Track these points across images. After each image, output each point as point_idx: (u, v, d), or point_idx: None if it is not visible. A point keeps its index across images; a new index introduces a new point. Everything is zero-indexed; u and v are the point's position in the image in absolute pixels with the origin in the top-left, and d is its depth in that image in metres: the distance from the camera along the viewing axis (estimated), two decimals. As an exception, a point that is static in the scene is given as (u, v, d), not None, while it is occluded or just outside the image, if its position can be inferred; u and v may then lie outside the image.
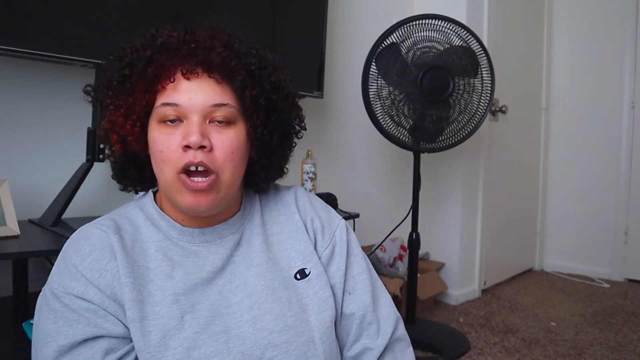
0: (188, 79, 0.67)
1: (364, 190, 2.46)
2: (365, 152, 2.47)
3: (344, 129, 2.36)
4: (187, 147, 0.65)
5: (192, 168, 0.65)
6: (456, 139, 1.97)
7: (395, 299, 2.06)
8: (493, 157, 2.70)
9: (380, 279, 0.84)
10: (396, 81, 1.87)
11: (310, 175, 1.85)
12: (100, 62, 1.26)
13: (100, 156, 1.34)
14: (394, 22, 1.89)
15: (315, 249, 0.78)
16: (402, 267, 2.30)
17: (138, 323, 0.63)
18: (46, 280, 0.67)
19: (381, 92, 1.90)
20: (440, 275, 2.50)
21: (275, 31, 1.84)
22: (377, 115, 1.90)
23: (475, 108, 1.97)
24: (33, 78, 1.42)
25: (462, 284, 2.54)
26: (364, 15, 2.41)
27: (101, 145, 1.33)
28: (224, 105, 0.67)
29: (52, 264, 0.69)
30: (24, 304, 1.25)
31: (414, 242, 2.02)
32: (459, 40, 1.92)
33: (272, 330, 0.67)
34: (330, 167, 2.26)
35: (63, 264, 0.66)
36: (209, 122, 0.67)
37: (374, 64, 1.88)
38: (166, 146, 0.66)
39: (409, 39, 1.89)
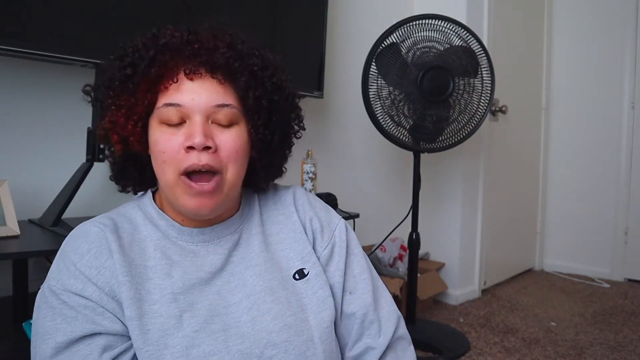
0: (191, 79, 0.67)
1: (364, 190, 2.46)
2: (365, 152, 2.47)
3: (344, 129, 2.36)
4: (191, 148, 0.65)
5: (196, 175, 0.65)
6: (456, 139, 1.97)
7: (395, 299, 2.06)
8: (493, 157, 2.70)
9: (381, 279, 0.84)
10: (396, 81, 1.87)
11: (310, 175, 1.85)
12: (100, 62, 1.26)
13: (100, 156, 1.34)
14: (394, 22, 1.89)
15: (314, 248, 0.78)
16: (402, 267, 2.30)
17: (137, 321, 0.63)
18: (46, 280, 0.67)
19: (381, 92, 1.90)
20: (440, 275, 2.50)
21: (275, 31, 1.84)
22: (377, 115, 1.90)
23: (475, 108, 1.97)
24: (33, 78, 1.42)
25: (462, 284, 2.54)
26: (364, 15, 2.41)
27: (101, 146, 1.33)
28: (226, 105, 0.67)
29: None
30: (24, 304, 1.25)
31: (414, 242, 2.02)
32: (459, 40, 1.92)
33: (271, 330, 0.67)
34: (330, 167, 2.26)
35: (61, 262, 0.66)
36: (211, 122, 0.67)
37: (374, 64, 1.88)
38: (168, 147, 0.66)
39: (409, 39, 1.89)
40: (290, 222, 0.79)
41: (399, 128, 1.92)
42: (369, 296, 0.78)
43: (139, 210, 0.74)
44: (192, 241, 0.72)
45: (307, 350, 0.68)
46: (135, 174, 0.75)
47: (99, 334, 0.63)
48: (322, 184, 2.06)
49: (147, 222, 0.72)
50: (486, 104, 1.96)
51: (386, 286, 0.84)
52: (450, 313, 2.34)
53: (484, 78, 1.95)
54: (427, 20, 1.89)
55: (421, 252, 2.31)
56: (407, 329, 0.83)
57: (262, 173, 0.77)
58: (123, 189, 0.77)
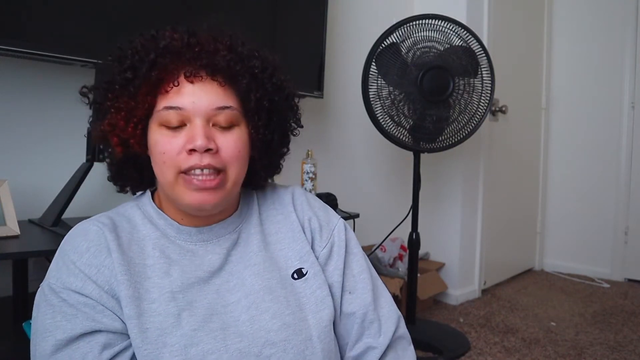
0: (192, 82, 0.67)
1: (364, 190, 2.46)
2: (365, 152, 2.47)
3: (344, 129, 2.36)
4: (193, 150, 0.65)
5: (198, 171, 0.65)
6: (456, 139, 1.97)
7: (395, 299, 2.06)
8: (493, 157, 2.70)
9: (380, 278, 0.84)
10: (396, 81, 1.87)
11: (310, 175, 1.85)
12: (100, 62, 1.26)
13: (100, 156, 1.34)
14: (394, 22, 1.89)
15: (313, 248, 0.79)
16: (402, 267, 2.30)
17: (135, 320, 0.63)
18: (45, 279, 0.67)
19: (381, 92, 1.90)
20: (440, 275, 2.50)
21: (275, 31, 1.84)
22: (377, 115, 1.90)
23: (475, 108, 1.97)
24: (33, 78, 1.42)
25: (462, 284, 2.54)
26: (364, 15, 2.41)
27: (101, 146, 1.32)
28: (227, 108, 0.67)
29: (52, 264, 0.69)
30: (24, 304, 1.25)
31: (414, 242, 2.02)
32: (459, 40, 1.92)
33: (269, 329, 0.68)
34: (330, 167, 2.26)
35: (61, 260, 0.66)
36: (212, 125, 0.67)
37: (374, 64, 1.88)
38: (168, 148, 0.66)
39: (409, 39, 1.89)
40: (289, 221, 0.80)
41: (399, 128, 1.92)
42: (368, 296, 0.78)
43: (138, 210, 0.74)
44: (190, 240, 0.72)
45: (305, 349, 0.69)
46: (135, 174, 0.75)
47: (99, 331, 0.63)
48: (322, 184, 2.06)
49: (146, 221, 0.72)
50: (486, 104, 1.96)
51: (386, 286, 0.84)
52: (450, 313, 2.34)
53: (484, 78, 1.95)
54: (427, 20, 1.89)
55: (421, 252, 2.31)
56: (407, 329, 0.83)
57: (262, 173, 0.78)
58: (121, 189, 0.77)
